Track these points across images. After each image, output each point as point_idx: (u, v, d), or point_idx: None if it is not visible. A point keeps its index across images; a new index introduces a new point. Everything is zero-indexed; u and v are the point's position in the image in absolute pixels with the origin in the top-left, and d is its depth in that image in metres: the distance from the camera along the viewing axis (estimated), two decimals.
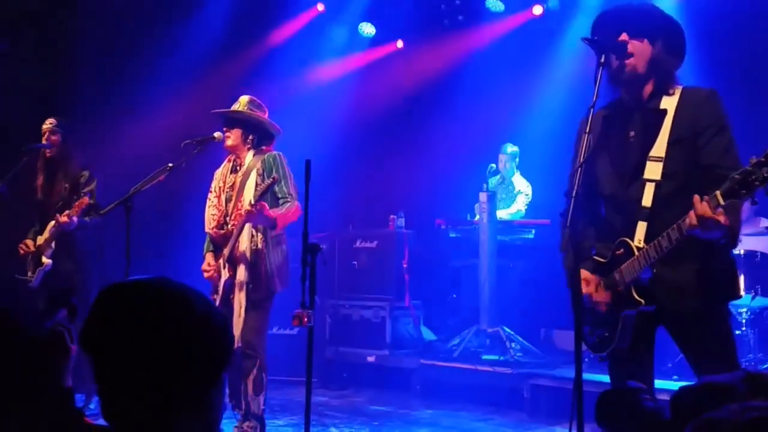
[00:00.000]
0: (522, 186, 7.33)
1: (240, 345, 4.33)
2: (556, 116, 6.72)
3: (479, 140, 7.79)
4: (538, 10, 7.65)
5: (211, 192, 4.61)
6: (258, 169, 4.42)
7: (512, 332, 6.43)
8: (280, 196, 4.42)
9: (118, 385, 1.24)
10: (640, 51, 2.73)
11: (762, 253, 5.47)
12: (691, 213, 2.44)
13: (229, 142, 4.51)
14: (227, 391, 4.63)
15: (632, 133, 2.80)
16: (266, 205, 4.22)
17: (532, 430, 5.26)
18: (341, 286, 7.21)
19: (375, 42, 8.61)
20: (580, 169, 2.65)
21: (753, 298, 5.29)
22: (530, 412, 5.62)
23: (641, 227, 2.71)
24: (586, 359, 5.98)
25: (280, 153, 4.54)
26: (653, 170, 2.70)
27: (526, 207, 7.26)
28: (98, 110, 6.82)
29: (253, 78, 7.57)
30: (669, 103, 2.74)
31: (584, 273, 2.83)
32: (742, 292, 5.32)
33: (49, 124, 5.32)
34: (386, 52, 8.64)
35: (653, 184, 2.70)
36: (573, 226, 2.61)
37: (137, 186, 4.29)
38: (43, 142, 5.32)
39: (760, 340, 5.34)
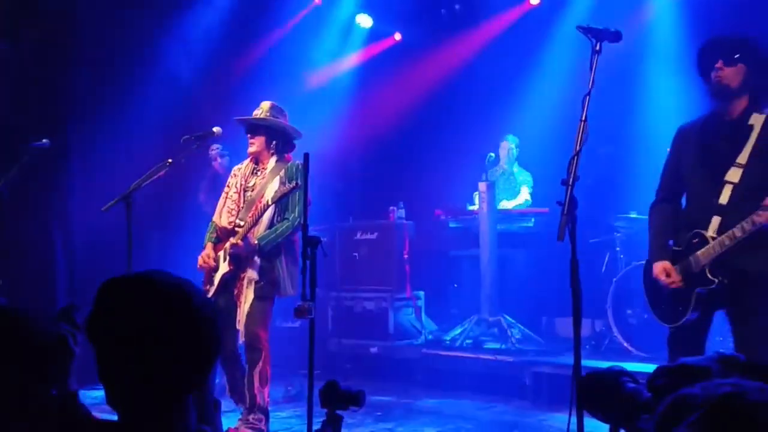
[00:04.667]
0: (524, 176, 7.36)
1: (245, 338, 4.37)
2: (554, 105, 6.74)
3: (477, 130, 7.80)
4: (535, 0, 7.69)
5: (229, 186, 4.68)
6: (281, 177, 4.48)
7: (513, 320, 6.47)
8: (289, 208, 4.48)
9: (122, 373, 1.31)
10: (733, 74, 3.20)
11: None
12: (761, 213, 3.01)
13: (252, 149, 4.60)
14: (228, 386, 4.66)
15: (721, 142, 3.26)
16: (252, 242, 4.35)
17: (533, 416, 5.29)
18: (342, 278, 7.24)
19: (372, 34, 8.61)
20: (576, 157, 2.76)
21: None
22: (532, 399, 5.66)
23: (715, 221, 3.20)
24: (587, 346, 6.06)
25: (302, 163, 4.56)
26: (733, 174, 3.18)
27: (530, 195, 7.29)
28: (98, 108, 6.82)
29: (253, 72, 7.59)
30: (757, 120, 3.20)
31: (665, 264, 3.34)
32: None
33: (215, 148, 6.26)
34: (384, 44, 8.64)
35: (731, 186, 3.18)
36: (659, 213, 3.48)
37: (137, 182, 4.30)
38: (214, 164, 6.38)
39: None
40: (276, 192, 4.34)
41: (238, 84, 7.59)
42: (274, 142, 4.58)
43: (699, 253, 3.22)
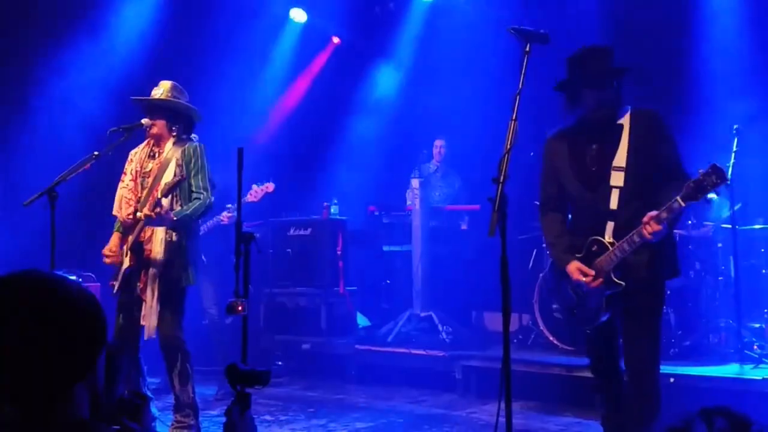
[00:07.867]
0: (456, 177, 7.50)
1: (161, 342, 4.21)
2: (485, 104, 6.85)
3: (411, 128, 7.87)
4: None
5: (125, 174, 4.44)
6: (177, 160, 4.29)
7: (444, 315, 6.56)
8: (194, 189, 4.29)
9: (5, 371, 1.33)
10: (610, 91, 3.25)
11: (679, 234, 5.73)
12: (645, 227, 3.07)
13: (154, 131, 4.37)
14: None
15: (594, 146, 3.30)
16: (165, 208, 4.10)
17: (463, 409, 5.40)
18: (275, 274, 7.20)
19: (307, 29, 8.55)
20: (507, 156, 2.82)
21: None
22: (461, 393, 5.77)
23: (610, 226, 3.27)
24: (514, 340, 6.21)
25: (201, 144, 4.41)
26: (617, 178, 3.24)
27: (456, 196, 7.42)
28: (18, 98, 6.57)
29: (182, 64, 7.42)
30: (624, 120, 3.27)
31: (578, 264, 3.32)
32: None
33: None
34: (319, 43, 8.61)
35: (618, 190, 3.24)
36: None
37: (62, 175, 4.16)
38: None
39: (679, 319, 5.58)
40: (166, 184, 4.14)
41: (164, 74, 7.41)
42: (175, 126, 4.36)
43: (599, 260, 3.28)
